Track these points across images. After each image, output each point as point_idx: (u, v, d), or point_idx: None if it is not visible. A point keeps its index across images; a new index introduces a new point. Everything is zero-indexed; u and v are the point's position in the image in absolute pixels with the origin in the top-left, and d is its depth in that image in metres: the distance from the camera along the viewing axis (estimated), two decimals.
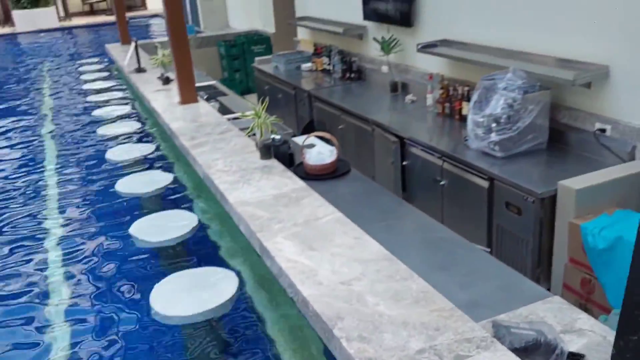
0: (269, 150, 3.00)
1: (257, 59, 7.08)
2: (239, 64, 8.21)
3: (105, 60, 7.84)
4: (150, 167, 3.75)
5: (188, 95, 4.43)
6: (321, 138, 3.25)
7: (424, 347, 1.51)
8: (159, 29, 12.81)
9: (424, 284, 1.80)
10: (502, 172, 3.22)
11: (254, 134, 3.12)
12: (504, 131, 3.38)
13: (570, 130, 3.45)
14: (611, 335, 1.72)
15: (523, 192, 3.04)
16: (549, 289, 2.92)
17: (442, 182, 3.67)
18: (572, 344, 1.70)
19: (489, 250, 2.76)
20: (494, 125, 3.40)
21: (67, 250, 2.74)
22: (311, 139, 3.22)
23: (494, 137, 3.41)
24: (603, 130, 3.23)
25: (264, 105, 2.96)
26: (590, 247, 2.70)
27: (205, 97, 4.93)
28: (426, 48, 4.39)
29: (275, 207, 2.42)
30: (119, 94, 5.84)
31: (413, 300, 1.72)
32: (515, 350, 1.56)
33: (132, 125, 4.70)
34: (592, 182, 2.88)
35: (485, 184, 3.31)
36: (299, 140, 3.34)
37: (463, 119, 4.03)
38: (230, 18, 9.98)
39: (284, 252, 2.05)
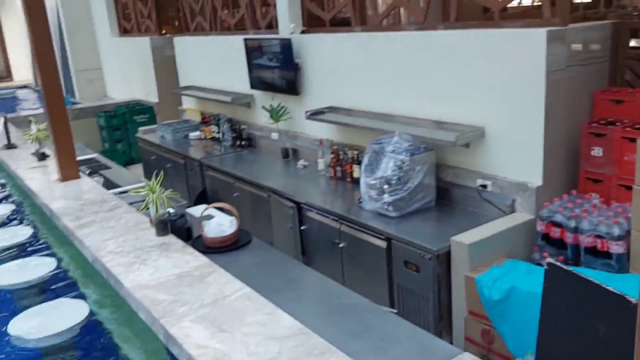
0: (165, 226, 2.87)
1: (141, 129, 6.89)
2: (120, 134, 7.92)
3: None
4: (28, 254, 3.40)
5: (68, 171, 4.16)
6: (219, 208, 3.18)
7: None
8: (28, 101, 12.05)
9: (343, 356, 1.77)
10: (398, 232, 3.33)
11: (148, 209, 2.98)
12: (395, 192, 3.53)
13: (455, 188, 3.69)
14: None
15: (419, 250, 3.16)
16: (451, 342, 3.01)
17: (340, 245, 3.72)
18: None
19: (396, 312, 2.82)
20: (386, 186, 3.55)
21: None
22: (209, 210, 3.14)
23: (387, 198, 3.54)
24: (484, 186, 3.48)
25: (159, 179, 2.85)
26: (486, 299, 2.85)
27: (87, 171, 4.66)
28: (314, 115, 4.54)
29: (179, 288, 2.29)
30: None
31: None
32: None
33: (3, 208, 4.29)
34: (481, 236, 3.07)
35: (383, 244, 3.41)
36: (195, 212, 3.24)
37: (355, 181, 4.17)
38: (108, 88, 9.69)
39: (192, 337, 1.92)
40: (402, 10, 4.45)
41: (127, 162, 7.65)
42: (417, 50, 3.82)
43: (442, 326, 3.21)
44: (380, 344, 2.11)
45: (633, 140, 2.96)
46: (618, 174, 3.10)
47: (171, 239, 2.86)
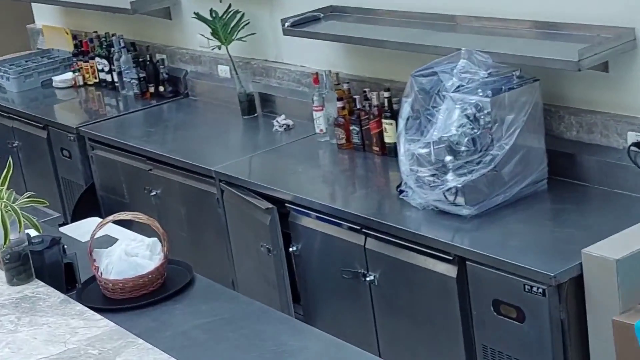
0: (25, 263, 2.93)
1: None
2: None
3: None
4: None
5: None
6: (121, 222, 3.23)
7: None
8: None
9: None
10: (477, 245, 3.38)
11: None
12: (468, 166, 3.56)
13: (583, 151, 3.74)
14: None
15: (523, 279, 3.20)
16: None
17: (368, 277, 3.77)
18: None
19: None
20: (448, 158, 3.58)
21: None
22: (106, 227, 3.20)
23: (451, 180, 3.58)
24: None
25: (5, 174, 2.91)
26: None
27: None
28: (299, 26, 4.56)
29: None
30: None
31: None
32: None
33: None
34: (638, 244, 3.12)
35: (450, 269, 3.46)
36: (80, 232, 3.30)
37: (387, 150, 4.23)
38: None
39: None
40: None
41: None
42: None
43: None
44: None
45: None
46: None
47: (39, 287, 2.91)
